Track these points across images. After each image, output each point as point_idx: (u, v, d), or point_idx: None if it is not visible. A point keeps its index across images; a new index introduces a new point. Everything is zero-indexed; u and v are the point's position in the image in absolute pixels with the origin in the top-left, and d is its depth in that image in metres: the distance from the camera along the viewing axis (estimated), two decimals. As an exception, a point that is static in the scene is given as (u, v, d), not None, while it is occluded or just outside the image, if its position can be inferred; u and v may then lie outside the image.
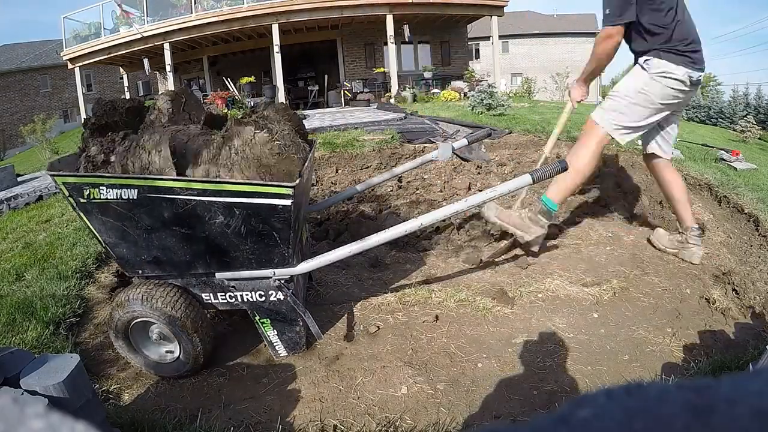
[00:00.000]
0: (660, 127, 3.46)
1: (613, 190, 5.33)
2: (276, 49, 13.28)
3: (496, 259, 3.82)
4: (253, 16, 13.08)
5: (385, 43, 14.09)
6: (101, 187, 1.99)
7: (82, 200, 2.04)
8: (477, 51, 27.67)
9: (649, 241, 3.88)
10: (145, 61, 14.21)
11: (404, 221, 2.35)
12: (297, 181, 1.98)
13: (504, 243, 3.92)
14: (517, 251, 3.94)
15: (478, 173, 6.34)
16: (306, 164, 2.18)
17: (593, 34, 29.11)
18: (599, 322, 2.85)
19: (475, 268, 3.66)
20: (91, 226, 2.14)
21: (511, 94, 13.65)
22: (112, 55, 14.20)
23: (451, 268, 3.69)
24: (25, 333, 2.70)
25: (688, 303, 3.04)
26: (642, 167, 5.93)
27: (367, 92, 14.28)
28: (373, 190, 5.99)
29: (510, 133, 7.73)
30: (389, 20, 13.35)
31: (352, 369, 2.44)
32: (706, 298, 3.08)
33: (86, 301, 3.19)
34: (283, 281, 2.28)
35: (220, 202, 2.00)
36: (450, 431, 2.05)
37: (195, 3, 13.31)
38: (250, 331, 2.81)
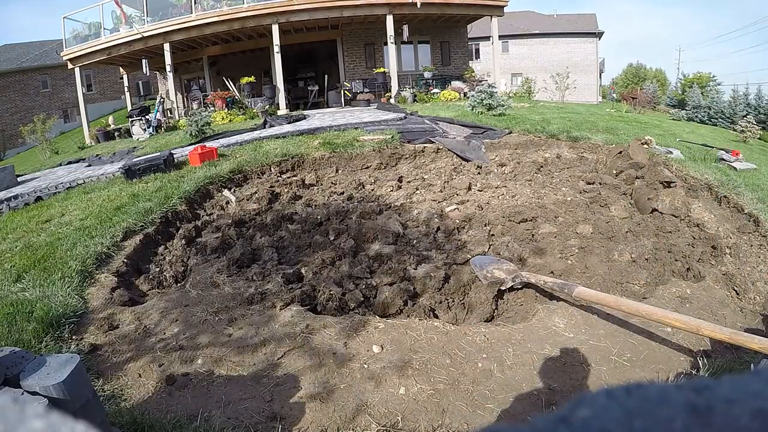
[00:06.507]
0: None
1: (613, 189, 5.33)
2: (276, 49, 13.27)
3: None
4: (253, 16, 13.08)
5: (385, 43, 14.09)
6: None
7: None
8: (477, 51, 27.68)
9: None
10: (144, 63, 14.17)
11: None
12: None
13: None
14: (518, 250, 3.94)
15: (478, 173, 6.34)
16: None
17: (593, 34, 29.07)
18: (599, 322, 2.85)
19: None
20: None
21: (511, 94, 13.64)
22: (112, 55, 14.18)
23: (450, 269, 3.68)
24: (25, 332, 2.70)
25: (689, 303, 3.04)
26: (641, 167, 5.92)
27: (367, 92, 14.27)
28: (373, 189, 5.99)
29: (510, 133, 7.73)
30: (389, 20, 13.34)
31: (352, 369, 2.44)
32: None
33: (86, 302, 3.20)
34: None
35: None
36: (450, 431, 2.05)
37: (195, 3, 13.28)
38: (250, 331, 2.81)
